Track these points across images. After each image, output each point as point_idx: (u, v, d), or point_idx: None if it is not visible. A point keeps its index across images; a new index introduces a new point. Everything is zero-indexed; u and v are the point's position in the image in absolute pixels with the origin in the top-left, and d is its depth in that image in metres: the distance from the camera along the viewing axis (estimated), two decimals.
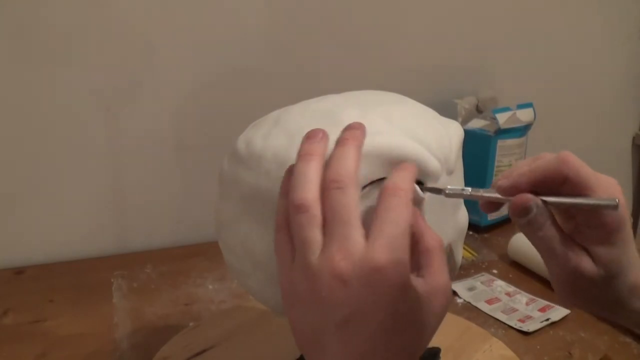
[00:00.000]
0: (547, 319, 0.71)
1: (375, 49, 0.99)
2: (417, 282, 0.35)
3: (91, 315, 0.72)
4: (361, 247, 0.33)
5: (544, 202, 0.38)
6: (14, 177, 0.83)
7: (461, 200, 0.48)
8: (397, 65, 1.01)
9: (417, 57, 1.03)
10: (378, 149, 0.39)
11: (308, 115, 0.44)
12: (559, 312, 0.73)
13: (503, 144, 0.96)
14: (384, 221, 0.34)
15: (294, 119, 0.44)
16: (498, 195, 0.39)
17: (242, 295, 0.73)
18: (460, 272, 0.81)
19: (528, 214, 0.37)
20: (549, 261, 0.40)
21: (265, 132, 0.44)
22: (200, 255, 0.85)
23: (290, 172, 0.37)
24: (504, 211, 0.40)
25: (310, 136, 0.38)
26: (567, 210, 0.40)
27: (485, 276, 0.83)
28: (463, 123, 0.99)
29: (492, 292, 0.78)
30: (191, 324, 0.68)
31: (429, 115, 0.46)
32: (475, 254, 0.89)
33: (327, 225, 0.34)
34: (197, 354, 0.60)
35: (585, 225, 0.39)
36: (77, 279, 0.81)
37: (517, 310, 0.74)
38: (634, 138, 1.32)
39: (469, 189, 0.39)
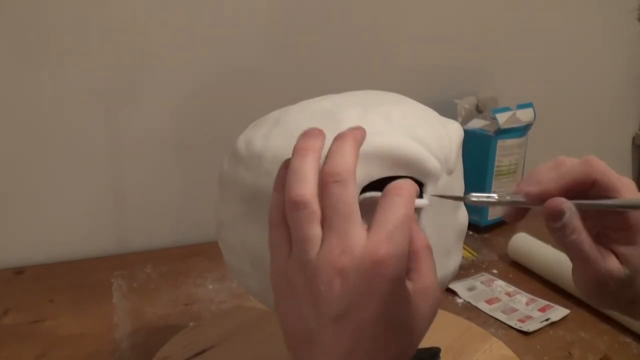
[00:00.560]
0: (547, 319, 0.71)
1: (375, 49, 0.99)
2: (407, 284, 0.35)
3: (91, 315, 0.72)
4: (362, 242, 0.33)
5: (576, 205, 0.38)
6: (14, 177, 0.83)
7: None
8: (397, 65, 1.01)
9: (417, 57, 1.03)
10: (378, 149, 0.39)
11: (308, 115, 0.44)
12: (558, 312, 0.73)
13: (503, 144, 0.96)
14: (386, 216, 0.34)
15: (294, 119, 0.44)
16: (523, 200, 0.39)
17: (242, 295, 0.73)
18: (460, 272, 0.81)
19: (562, 218, 0.37)
20: (580, 264, 0.40)
21: (265, 132, 0.44)
22: (200, 255, 0.85)
23: (286, 167, 0.36)
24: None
25: (306, 133, 0.38)
26: (593, 213, 0.40)
27: (485, 276, 0.83)
28: (463, 123, 0.98)
29: (492, 292, 0.78)
30: (191, 324, 0.68)
31: (429, 115, 0.47)
32: (475, 254, 0.89)
33: (326, 220, 0.34)
34: (197, 354, 0.60)
35: (611, 226, 0.40)
36: (77, 279, 0.81)
37: (517, 310, 0.74)
38: (634, 138, 1.32)
39: (495, 195, 0.39)
